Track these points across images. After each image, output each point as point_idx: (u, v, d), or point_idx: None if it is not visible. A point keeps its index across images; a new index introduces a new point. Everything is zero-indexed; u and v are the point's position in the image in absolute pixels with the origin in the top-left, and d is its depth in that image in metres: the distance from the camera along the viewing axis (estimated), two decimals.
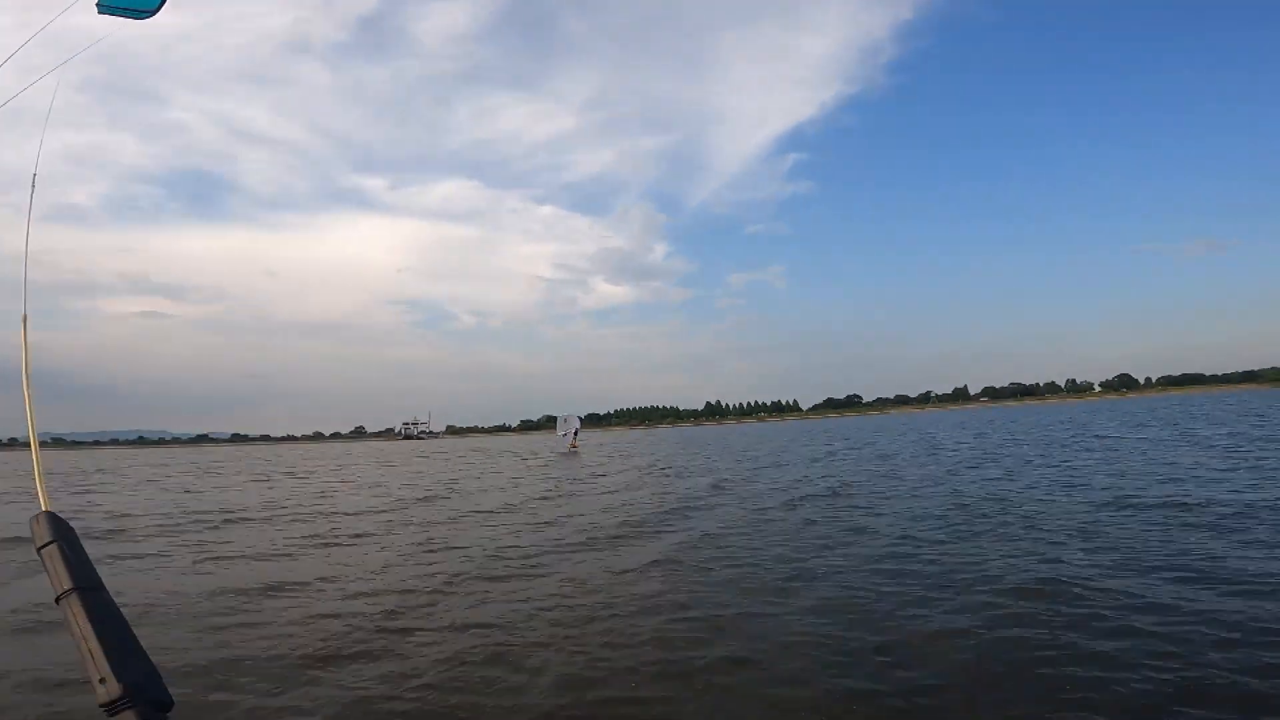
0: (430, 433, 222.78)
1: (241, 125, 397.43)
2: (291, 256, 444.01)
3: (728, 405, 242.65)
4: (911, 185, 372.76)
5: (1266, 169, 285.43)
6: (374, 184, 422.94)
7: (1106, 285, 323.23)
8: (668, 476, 21.57)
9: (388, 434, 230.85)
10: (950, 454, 23.61)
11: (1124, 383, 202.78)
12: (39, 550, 0.68)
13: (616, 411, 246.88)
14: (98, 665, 0.59)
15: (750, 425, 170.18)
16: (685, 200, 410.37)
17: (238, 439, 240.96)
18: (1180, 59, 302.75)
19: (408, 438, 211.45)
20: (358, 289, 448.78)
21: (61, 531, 0.69)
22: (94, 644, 0.60)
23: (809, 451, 30.54)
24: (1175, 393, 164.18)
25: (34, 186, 1.17)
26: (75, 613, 0.62)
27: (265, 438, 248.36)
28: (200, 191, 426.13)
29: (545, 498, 16.58)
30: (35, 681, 4.79)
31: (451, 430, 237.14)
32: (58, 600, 0.65)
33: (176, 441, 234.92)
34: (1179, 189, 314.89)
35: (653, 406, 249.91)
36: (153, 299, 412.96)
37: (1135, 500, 10.72)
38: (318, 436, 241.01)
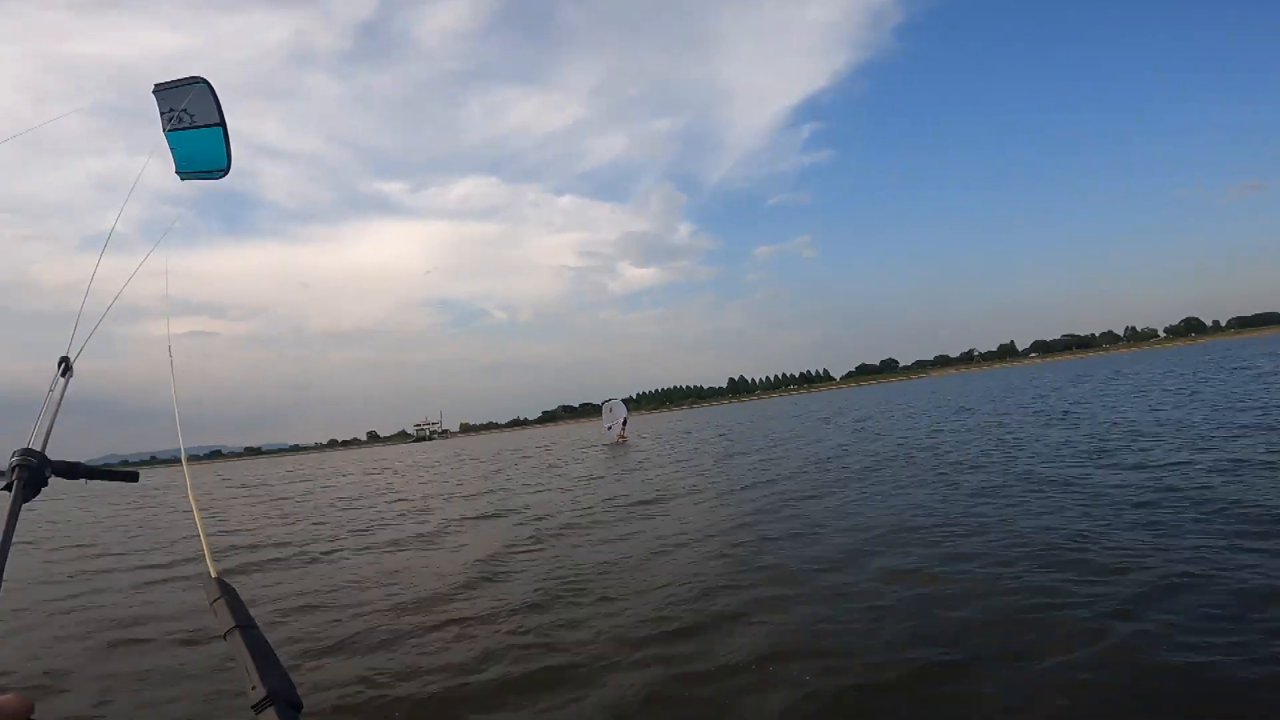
0: (443, 432, 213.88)
1: (258, 140, 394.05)
2: (322, 266, 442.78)
3: (753, 380, 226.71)
4: (936, 145, 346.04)
5: None
6: (394, 188, 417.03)
7: (1156, 230, 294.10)
8: None
9: (401, 436, 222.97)
10: None
11: (1191, 327, 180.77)
12: (211, 603, 0.97)
13: (639, 395, 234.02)
14: (250, 677, 0.84)
15: (772, 400, 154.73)
16: (704, 178, 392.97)
17: (250, 452, 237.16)
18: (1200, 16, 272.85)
19: (419, 439, 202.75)
20: (388, 294, 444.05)
21: (225, 589, 0.99)
22: (248, 663, 0.85)
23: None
24: (1251, 335, 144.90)
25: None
26: (236, 643, 0.89)
27: (295, 448, 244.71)
28: (229, 210, 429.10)
29: None
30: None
31: (466, 428, 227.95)
32: (225, 635, 0.91)
33: (194, 459, 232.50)
34: (1206, 138, 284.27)
35: (675, 387, 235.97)
36: (196, 319, 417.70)
37: None
38: (332, 444, 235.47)
